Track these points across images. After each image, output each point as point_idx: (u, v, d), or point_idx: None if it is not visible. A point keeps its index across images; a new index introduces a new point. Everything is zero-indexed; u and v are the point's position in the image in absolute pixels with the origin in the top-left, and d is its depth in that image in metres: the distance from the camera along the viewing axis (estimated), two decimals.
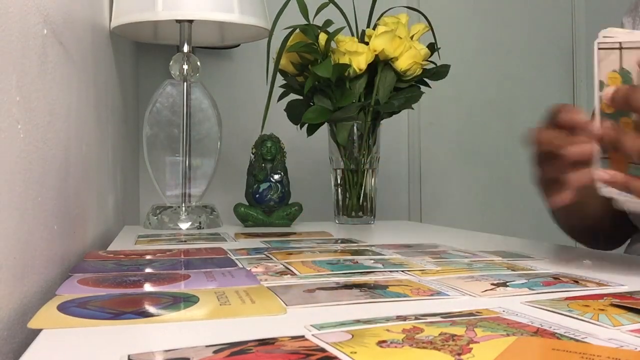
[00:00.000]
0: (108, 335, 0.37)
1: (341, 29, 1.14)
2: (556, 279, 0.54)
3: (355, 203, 1.17)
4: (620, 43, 0.56)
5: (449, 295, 0.48)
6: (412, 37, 1.16)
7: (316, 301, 0.46)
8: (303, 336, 0.35)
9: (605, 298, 0.46)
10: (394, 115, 1.20)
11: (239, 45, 1.65)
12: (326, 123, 1.17)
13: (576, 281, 0.53)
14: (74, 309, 0.42)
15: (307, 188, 1.50)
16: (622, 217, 0.88)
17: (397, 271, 0.59)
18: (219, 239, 0.90)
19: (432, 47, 1.17)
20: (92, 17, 0.96)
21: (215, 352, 0.32)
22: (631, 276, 0.58)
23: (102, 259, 0.67)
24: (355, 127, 1.16)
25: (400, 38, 1.11)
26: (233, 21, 1.11)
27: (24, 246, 0.52)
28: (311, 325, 0.37)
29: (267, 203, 1.13)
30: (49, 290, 0.58)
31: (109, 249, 0.79)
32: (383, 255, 0.70)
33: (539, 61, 2.26)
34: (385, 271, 0.59)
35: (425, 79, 1.18)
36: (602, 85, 0.57)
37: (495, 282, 0.52)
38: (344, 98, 1.12)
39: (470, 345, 0.33)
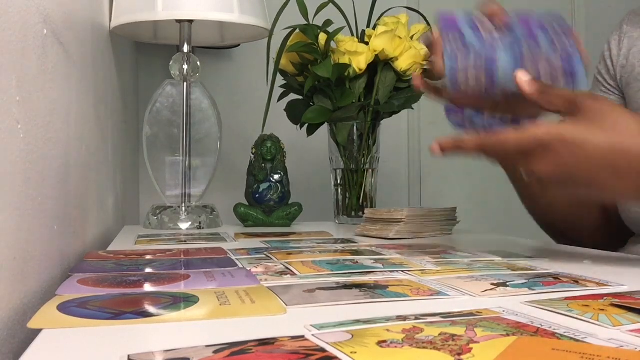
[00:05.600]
0: (108, 335, 0.37)
1: (341, 29, 1.14)
2: (556, 279, 0.54)
3: (355, 203, 1.17)
4: None
5: (449, 295, 0.48)
6: (412, 37, 1.16)
7: (316, 301, 0.46)
8: (303, 336, 0.35)
9: (605, 298, 0.46)
10: (394, 115, 1.20)
11: (239, 45, 1.65)
12: (326, 123, 1.17)
13: (576, 281, 0.53)
14: (74, 309, 0.42)
15: (307, 188, 1.49)
16: (619, 221, 0.87)
17: (397, 271, 0.59)
18: (219, 239, 0.90)
19: None
20: (92, 17, 0.96)
21: (215, 352, 0.32)
22: (631, 276, 0.58)
23: (102, 259, 0.67)
24: (355, 127, 1.16)
25: (400, 38, 1.11)
26: (233, 21, 1.11)
27: (24, 246, 0.52)
28: (311, 325, 0.37)
29: (267, 203, 1.13)
30: (49, 290, 0.58)
31: (109, 249, 0.79)
32: (383, 255, 0.70)
33: None
34: (385, 271, 0.59)
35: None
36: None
37: (495, 282, 0.52)
38: (344, 98, 1.12)
39: (470, 345, 0.33)
